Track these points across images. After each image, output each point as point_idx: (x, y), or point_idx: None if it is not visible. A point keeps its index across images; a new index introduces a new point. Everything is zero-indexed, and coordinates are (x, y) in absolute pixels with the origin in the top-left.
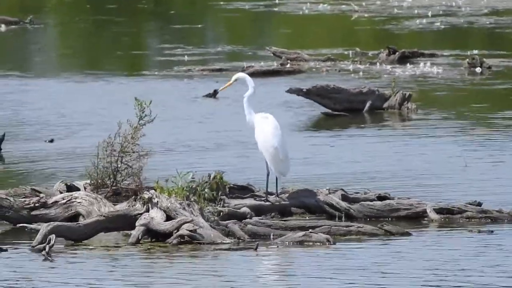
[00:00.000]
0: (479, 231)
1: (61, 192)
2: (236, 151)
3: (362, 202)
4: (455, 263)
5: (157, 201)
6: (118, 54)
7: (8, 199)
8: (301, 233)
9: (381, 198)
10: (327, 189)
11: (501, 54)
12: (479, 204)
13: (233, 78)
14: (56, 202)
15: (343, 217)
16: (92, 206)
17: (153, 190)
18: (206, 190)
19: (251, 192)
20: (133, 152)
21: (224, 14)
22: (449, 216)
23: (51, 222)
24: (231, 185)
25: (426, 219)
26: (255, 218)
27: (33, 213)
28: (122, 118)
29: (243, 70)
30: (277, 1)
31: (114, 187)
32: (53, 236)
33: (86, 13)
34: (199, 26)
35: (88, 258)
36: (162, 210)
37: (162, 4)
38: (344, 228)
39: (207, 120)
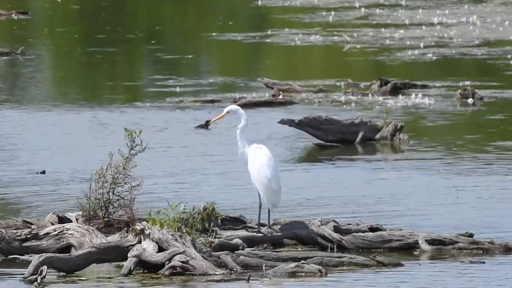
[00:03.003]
0: (471, 262)
1: (52, 224)
2: (228, 181)
3: (354, 234)
4: None
5: (149, 233)
6: (109, 85)
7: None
8: (293, 264)
9: (373, 229)
10: (319, 221)
11: (493, 85)
12: (471, 235)
13: (225, 110)
14: (47, 233)
15: (335, 248)
16: (84, 237)
17: (145, 222)
18: (198, 221)
19: (243, 224)
20: (125, 183)
21: (216, 45)
22: (441, 247)
23: (43, 254)
24: (223, 217)
25: (418, 250)
26: (247, 249)
27: (25, 244)
28: (113, 149)
29: (235, 101)
30: (269, 32)
31: (106, 219)
32: (44, 268)
33: (76, 44)
34: (191, 56)
35: None
36: (154, 241)
37: (152, 34)
38: (336, 259)
39: (199, 150)
